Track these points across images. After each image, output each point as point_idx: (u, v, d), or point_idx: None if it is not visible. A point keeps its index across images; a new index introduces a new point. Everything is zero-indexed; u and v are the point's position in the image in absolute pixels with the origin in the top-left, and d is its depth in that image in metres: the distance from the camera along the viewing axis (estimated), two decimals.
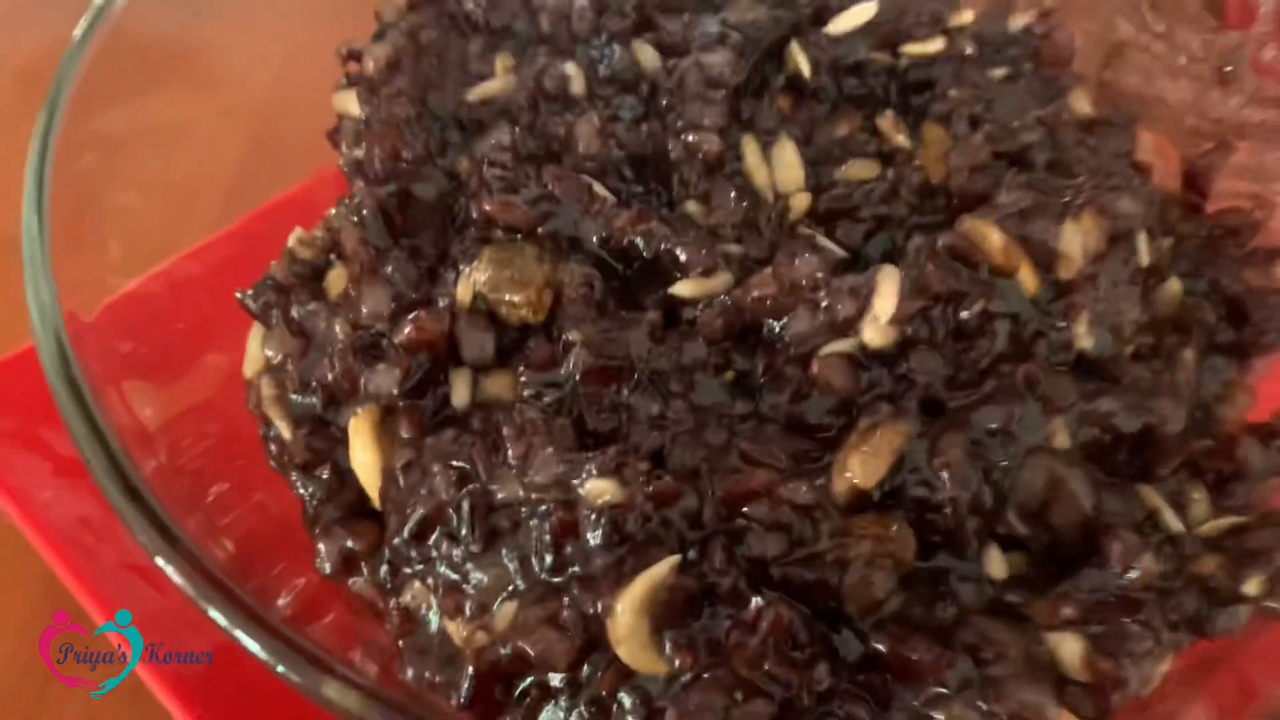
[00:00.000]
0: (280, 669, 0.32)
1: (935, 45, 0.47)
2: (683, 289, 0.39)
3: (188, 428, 0.44)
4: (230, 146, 0.61)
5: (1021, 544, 0.37)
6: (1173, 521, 0.39)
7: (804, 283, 0.37)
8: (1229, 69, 0.49)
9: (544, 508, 0.34)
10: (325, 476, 0.41)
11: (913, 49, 0.47)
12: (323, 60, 0.55)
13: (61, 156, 0.45)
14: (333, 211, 0.48)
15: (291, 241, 0.47)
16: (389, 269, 0.40)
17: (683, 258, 0.39)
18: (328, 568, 0.40)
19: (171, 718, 0.50)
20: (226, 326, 0.48)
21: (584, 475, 0.34)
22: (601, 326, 0.38)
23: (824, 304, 0.37)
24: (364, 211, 0.41)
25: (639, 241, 0.39)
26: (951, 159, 0.43)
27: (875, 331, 0.36)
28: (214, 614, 0.34)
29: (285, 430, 0.42)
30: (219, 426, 0.45)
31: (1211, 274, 0.47)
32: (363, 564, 0.40)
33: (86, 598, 0.50)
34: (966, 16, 0.49)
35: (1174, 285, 0.46)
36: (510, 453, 0.35)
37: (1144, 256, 0.42)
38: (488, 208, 0.40)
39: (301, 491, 0.41)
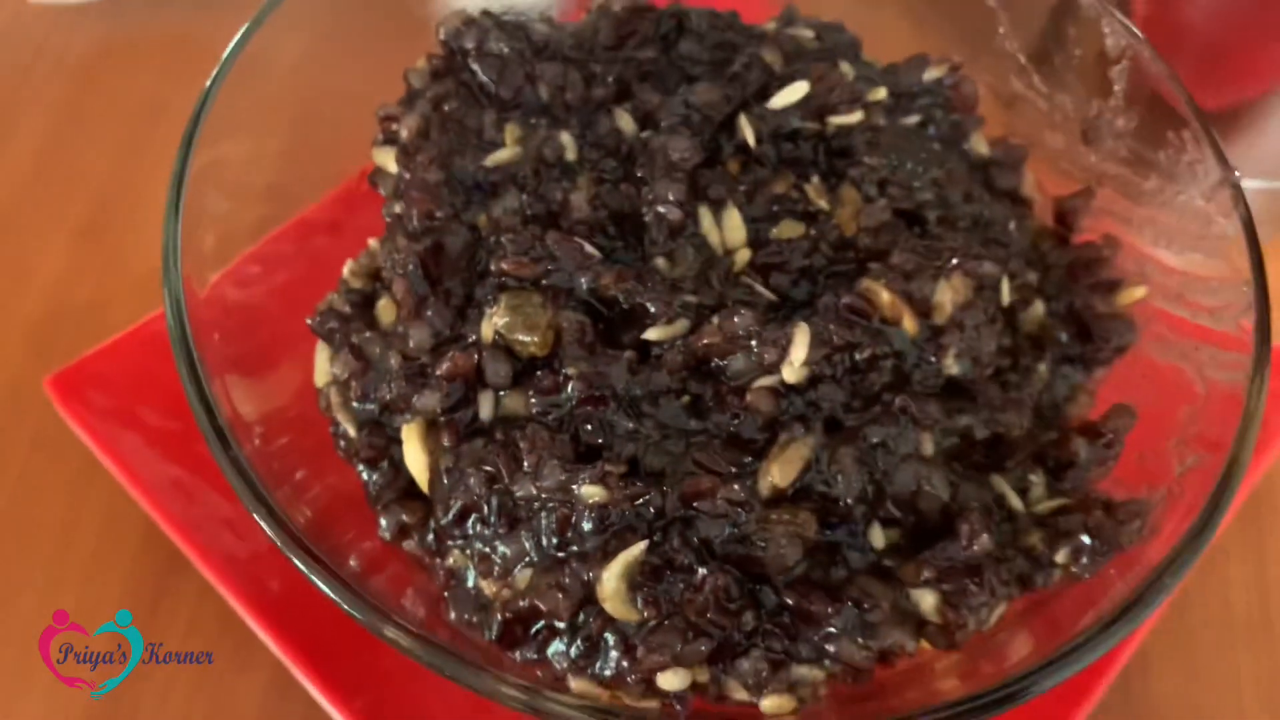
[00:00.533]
0: (347, 608, 0.46)
1: (854, 117, 0.59)
2: (652, 334, 0.51)
3: (274, 421, 0.57)
4: (269, 170, 0.71)
5: (897, 523, 0.51)
6: (1015, 503, 0.53)
7: (740, 333, 0.50)
8: (1089, 131, 0.61)
9: (551, 504, 0.48)
10: (384, 467, 0.54)
11: (836, 120, 0.59)
12: (348, 106, 0.65)
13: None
14: (373, 243, 0.61)
15: (345, 273, 0.60)
16: (429, 313, 0.53)
17: (652, 309, 0.52)
18: (388, 535, 0.54)
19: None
20: (295, 336, 0.60)
21: (580, 482, 0.48)
22: (592, 362, 0.51)
23: (754, 350, 0.50)
24: (409, 266, 0.53)
25: (619, 295, 0.52)
26: (861, 219, 0.55)
27: (791, 372, 0.50)
28: (298, 563, 0.47)
29: (351, 429, 0.55)
30: (298, 421, 0.58)
31: (1068, 298, 0.60)
32: (414, 533, 0.54)
33: (182, 541, 0.63)
34: (881, 93, 0.60)
35: (1038, 308, 0.59)
36: (526, 462, 0.49)
37: (1005, 298, 0.55)
38: (504, 265, 0.53)
39: (365, 478, 0.54)
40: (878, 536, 0.50)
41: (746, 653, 0.48)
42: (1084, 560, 0.50)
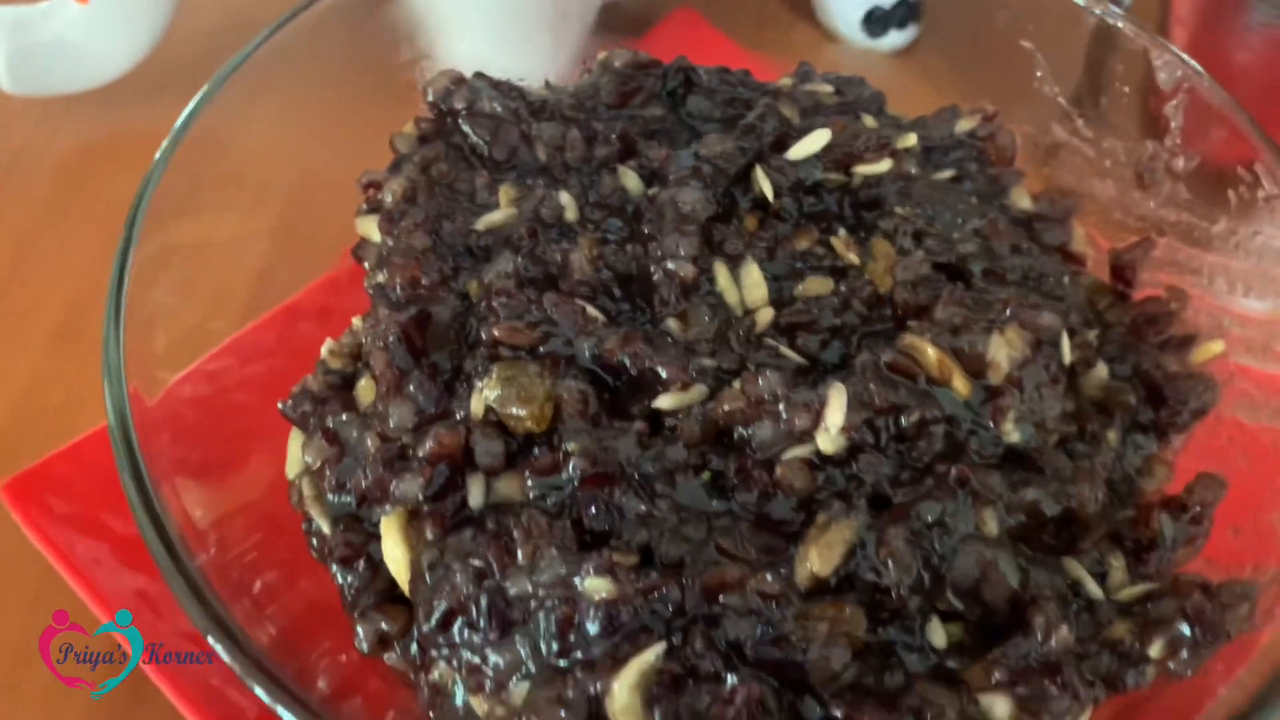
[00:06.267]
0: None
1: (883, 166, 0.53)
2: (664, 402, 0.45)
3: (237, 523, 0.50)
4: (255, 249, 0.67)
5: (959, 617, 0.43)
6: (1093, 590, 0.45)
7: (766, 397, 0.44)
8: (1145, 175, 0.55)
9: (550, 602, 0.41)
10: (361, 568, 0.47)
11: (863, 169, 0.53)
12: (334, 181, 0.61)
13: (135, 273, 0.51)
14: (356, 321, 0.55)
15: (324, 353, 0.54)
16: (411, 388, 0.47)
17: (664, 374, 0.45)
18: (365, 647, 0.46)
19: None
20: (270, 426, 0.54)
21: (583, 574, 0.40)
22: (596, 436, 0.44)
23: (784, 416, 0.43)
24: (389, 338, 0.47)
25: (626, 360, 0.46)
26: (896, 273, 0.49)
27: (827, 440, 0.43)
28: (259, 691, 0.40)
29: (324, 525, 0.48)
30: (266, 521, 0.51)
31: (1134, 359, 0.53)
32: (396, 643, 0.46)
33: (148, 665, 0.56)
34: (911, 140, 0.55)
35: (1100, 371, 0.52)
36: (520, 554, 0.42)
37: (1066, 356, 0.48)
38: (496, 333, 0.47)
39: (340, 581, 0.48)
40: (938, 634, 0.43)
41: None
42: (1183, 654, 0.42)
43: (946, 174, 0.58)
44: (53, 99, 0.85)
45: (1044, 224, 0.58)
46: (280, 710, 0.40)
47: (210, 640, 0.42)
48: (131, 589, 0.58)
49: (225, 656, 0.41)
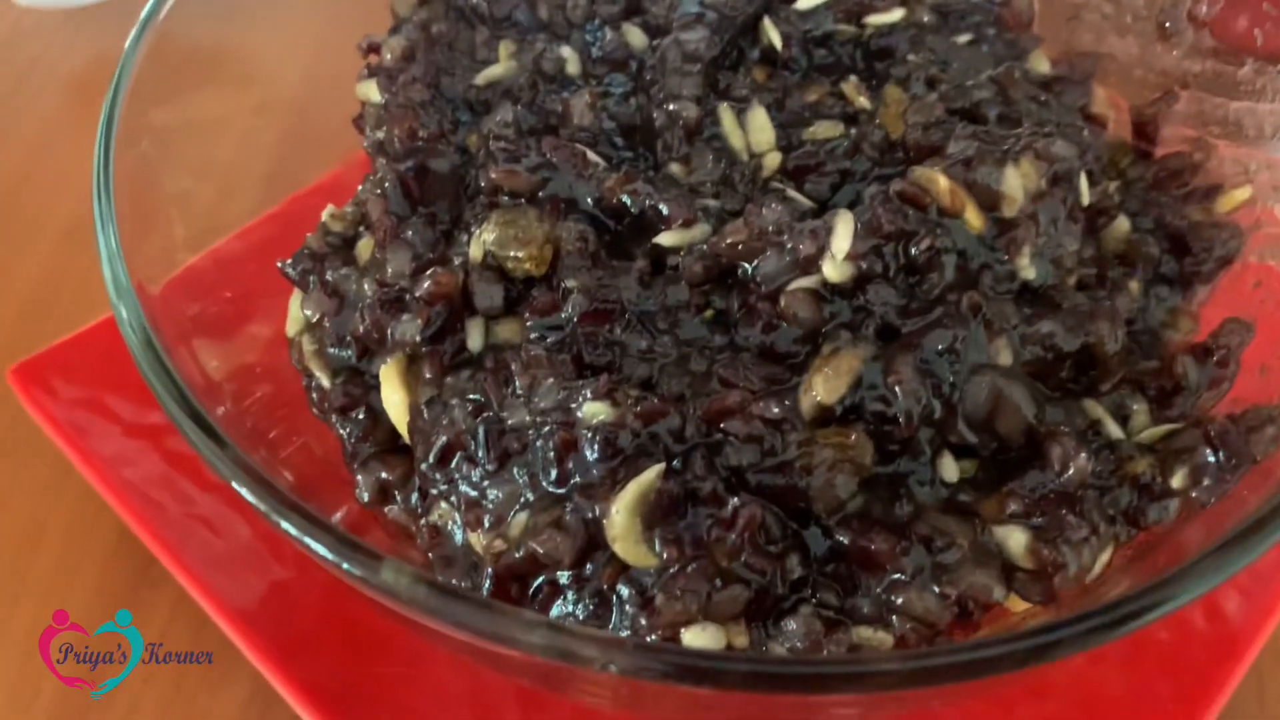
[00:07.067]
0: (345, 565, 0.36)
1: (895, 15, 0.52)
2: (666, 239, 0.44)
3: (242, 383, 0.50)
4: (265, 138, 0.66)
5: (973, 452, 0.42)
6: (1113, 429, 0.43)
7: (771, 228, 0.42)
8: (1168, 24, 0.53)
9: (548, 429, 0.40)
10: (361, 417, 0.46)
11: (874, 19, 0.52)
12: (345, 57, 0.60)
13: (121, 148, 0.50)
14: (361, 188, 0.54)
15: (325, 216, 0.53)
16: (409, 234, 0.46)
17: (666, 212, 0.44)
18: (366, 497, 0.46)
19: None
20: (270, 298, 0.54)
21: (581, 399, 0.39)
22: (596, 274, 0.43)
23: (789, 246, 0.42)
24: (386, 185, 0.46)
25: (627, 200, 0.45)
26: (908, 116, 0.48)
27: (833, 268, 0.41)
28: (286, 525, 0.38)
29: (325, 379, 0.48)
30: (267, 383, 0.50)
31: (1157, 212, 0.51)
32: (396, 493, 0.46)
33: (155, 544, 0.55)
34: None
35: (1122, 223, 0.50)
36: (518, 384, 0.41)
37: (1085, 196, 0.46)
38: (494, 175, 0.46)
39: (341, 432, 0.47)
40: (949, 468, 0.41)
41: (794, 610, 0.39)
42: (1206, 481, 0.40)
43: (963, 39, 0.56)
44: (66, 12, 0.86)
45: (1064, 86, 0.56)
46: (311, 543, 0.38)
47: (235, 484, 0.40)
48: (143, 473, 0.58)
49: (252, 498, 0.39)
